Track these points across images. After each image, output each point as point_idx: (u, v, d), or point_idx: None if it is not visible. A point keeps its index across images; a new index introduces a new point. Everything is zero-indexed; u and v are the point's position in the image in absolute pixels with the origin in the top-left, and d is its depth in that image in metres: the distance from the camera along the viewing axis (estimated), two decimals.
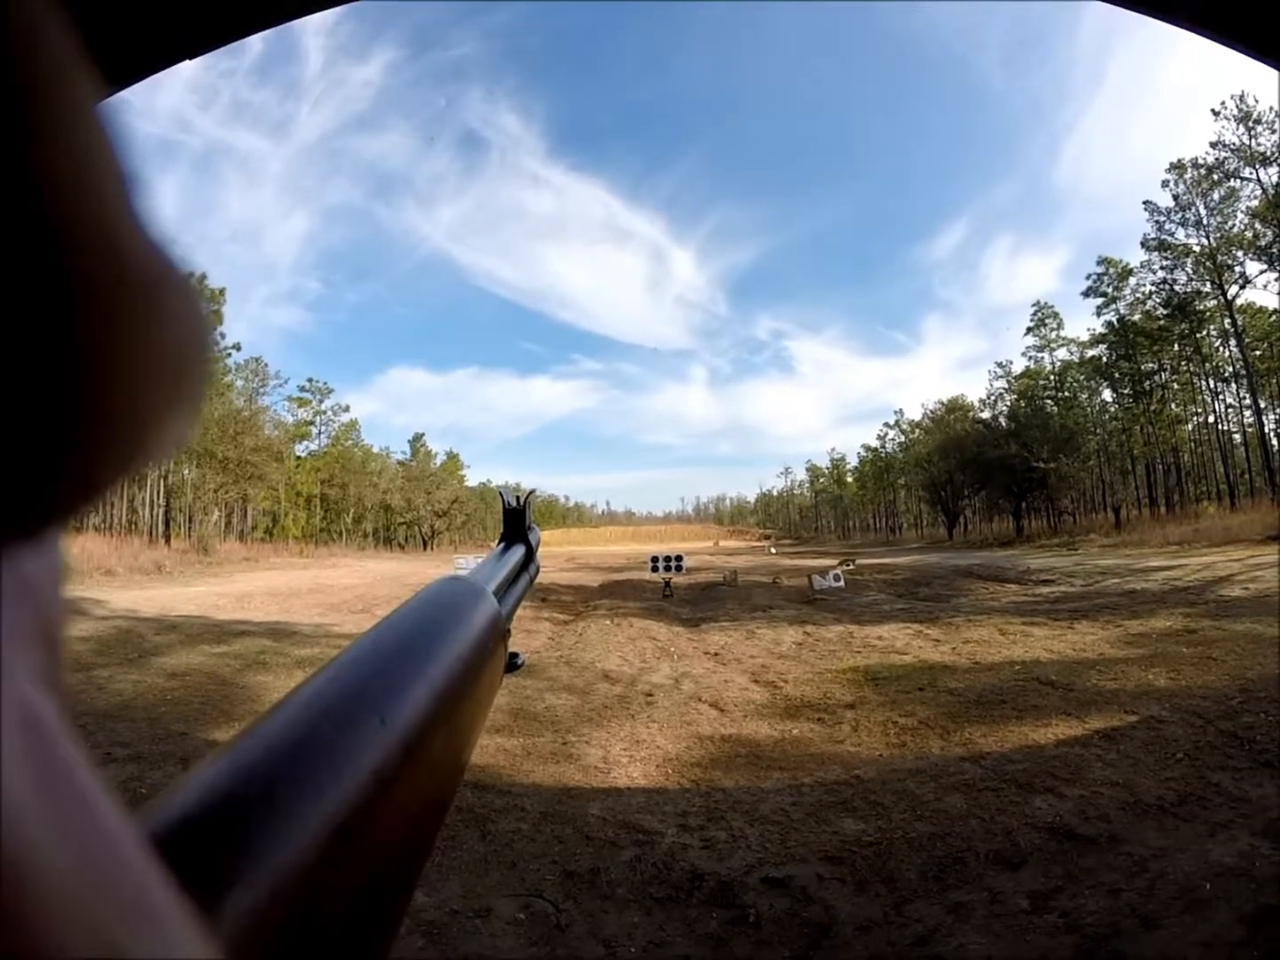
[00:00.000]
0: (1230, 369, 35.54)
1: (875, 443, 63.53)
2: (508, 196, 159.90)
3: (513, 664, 0.45)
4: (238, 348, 39.28)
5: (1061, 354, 43.53)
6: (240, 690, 6.11)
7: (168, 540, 31.05)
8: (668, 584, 14.49)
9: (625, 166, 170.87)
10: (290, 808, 0.20)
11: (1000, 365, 47.34)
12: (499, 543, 0.61)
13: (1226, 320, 33.69)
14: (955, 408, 50.89)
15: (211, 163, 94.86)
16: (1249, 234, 31.52)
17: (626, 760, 4.42)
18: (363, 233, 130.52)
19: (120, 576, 16.98)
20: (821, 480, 79.54)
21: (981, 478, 39.29)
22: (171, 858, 0.18)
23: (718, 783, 4.03)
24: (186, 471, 35.94)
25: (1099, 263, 38.89)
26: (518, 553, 0.59)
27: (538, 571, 0.63)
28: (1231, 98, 31.16)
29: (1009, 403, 45.12)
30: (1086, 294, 39.24)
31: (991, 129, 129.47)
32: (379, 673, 0.28)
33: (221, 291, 36.83)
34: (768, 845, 3.21)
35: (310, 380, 49.78)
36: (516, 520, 0.62)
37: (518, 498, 0.64)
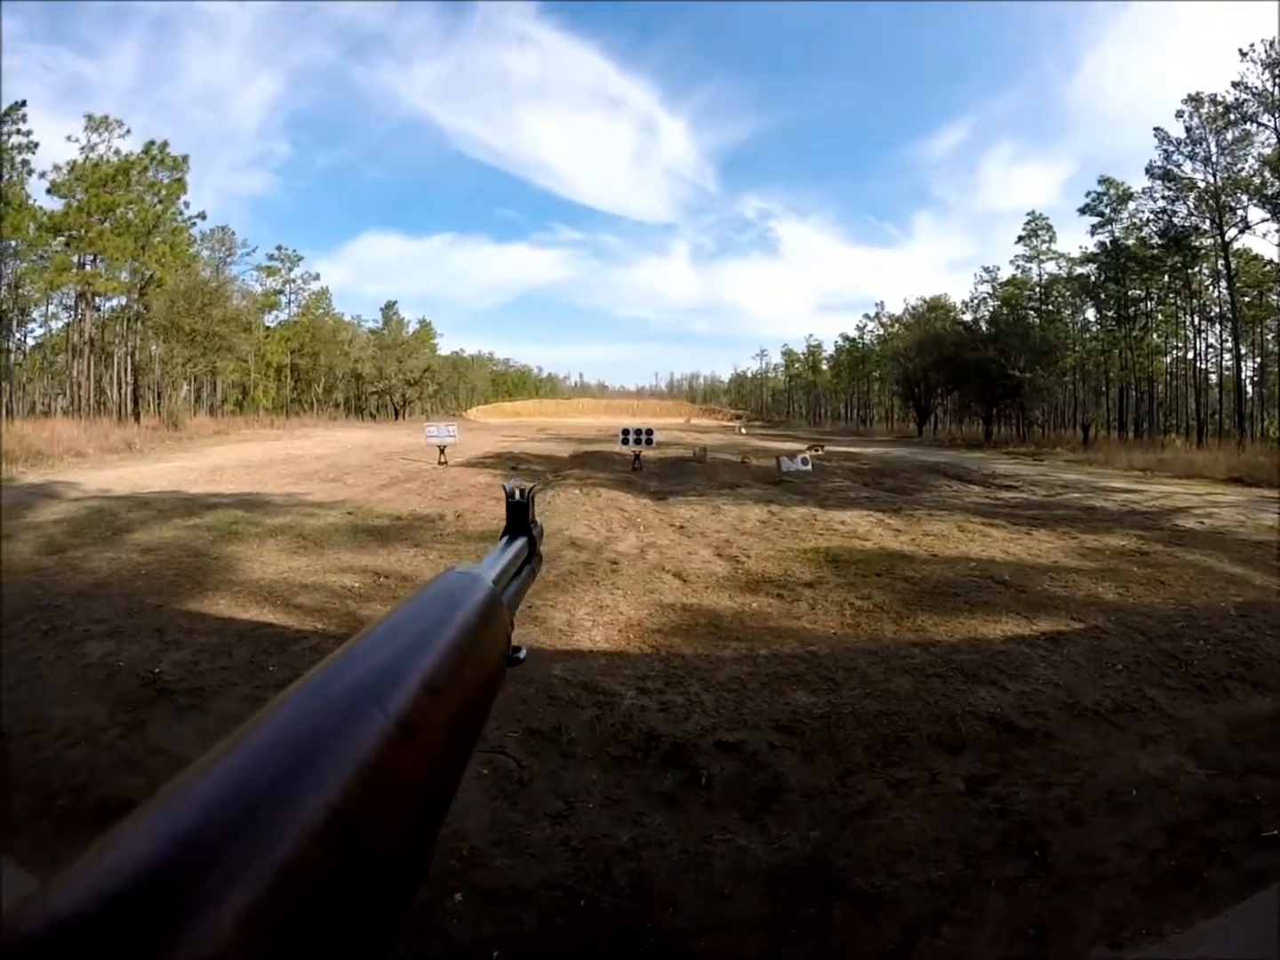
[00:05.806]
0: (1217, 309, 35.36)
1: (854, 333, 62.64)
2: (492, 57, 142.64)
3: (515, 657, 0.44)
4: (203, 216, 36.78)
5: (1050, 267, 42.58)
6: (213, 561, 6.01)
7: (137, 418, 30.02)
8: (637, 457, 14.49)
9: (619, 29, 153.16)
10: (292, 802, 0.20)
11: (987, 270, 46.30)
12: (502, 535, 0.61)
13: (1220, 261, 33.19)
14: (937, 306, 50.02)
15: (169, 24, 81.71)
16: (1256, 180, 30.53)
17: (590, 624, 4.48)
18: (335, 95, 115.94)
19: (91, 458, 16.28)
20: (796, 366, 78.57)
21: (956, 378, 39.23)
22: (171, 853, 0.18)
23: (677, 649, 4.13)
24: (154, 347, 34.67)
25: (1100, 182, 37.52)
26: (521, 546, 0.59)
27: (540, 564, 0.64)
28: (1261, 41, 28.99)
29: (991, 308, 44.56)
30: (1084, 211, 38.11)
31: (1007, 35, 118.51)
32: (380, 665, 0.28)
33: (185, 159, 34.10)
34: (722, 711, 3.31)
35: (279, 248, 46.76)
36: (520, 513, 0.64)
37: (521, 491, 0.65)
